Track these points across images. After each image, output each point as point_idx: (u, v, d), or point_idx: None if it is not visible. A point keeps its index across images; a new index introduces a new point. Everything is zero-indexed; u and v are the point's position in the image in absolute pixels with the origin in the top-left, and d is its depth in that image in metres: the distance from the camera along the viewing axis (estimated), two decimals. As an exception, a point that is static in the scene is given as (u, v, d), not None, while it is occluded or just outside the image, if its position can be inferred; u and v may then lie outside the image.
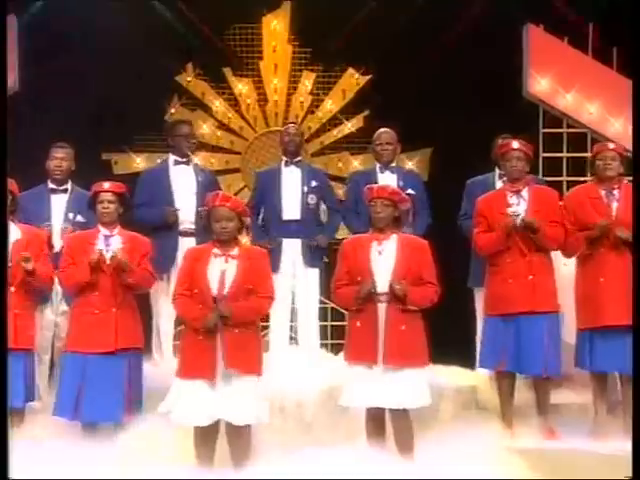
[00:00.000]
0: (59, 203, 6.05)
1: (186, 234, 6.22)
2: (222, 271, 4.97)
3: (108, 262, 5.31)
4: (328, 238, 6.43)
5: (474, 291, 6.23)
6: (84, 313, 5.34)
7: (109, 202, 5.42)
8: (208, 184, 6.26)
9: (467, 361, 6.16)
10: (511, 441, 5.35)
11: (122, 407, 5.24)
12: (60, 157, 6.06)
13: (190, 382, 4.91)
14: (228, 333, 4.92)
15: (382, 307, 5.02)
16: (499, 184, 6.13)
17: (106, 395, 5.23)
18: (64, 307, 5.93)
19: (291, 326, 6.51)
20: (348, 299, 5.10)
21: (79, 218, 5.97)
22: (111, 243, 5.38)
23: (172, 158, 6.39)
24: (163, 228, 6.15)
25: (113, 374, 5.26)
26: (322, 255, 6.46)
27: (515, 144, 5.66)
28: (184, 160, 6.36)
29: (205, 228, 5.14)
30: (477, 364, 5.79)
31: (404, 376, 4.98)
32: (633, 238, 5.39)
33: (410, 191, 6.14)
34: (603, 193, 5.59)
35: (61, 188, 6.07)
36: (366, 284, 5.00)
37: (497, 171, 6.21)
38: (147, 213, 6.17)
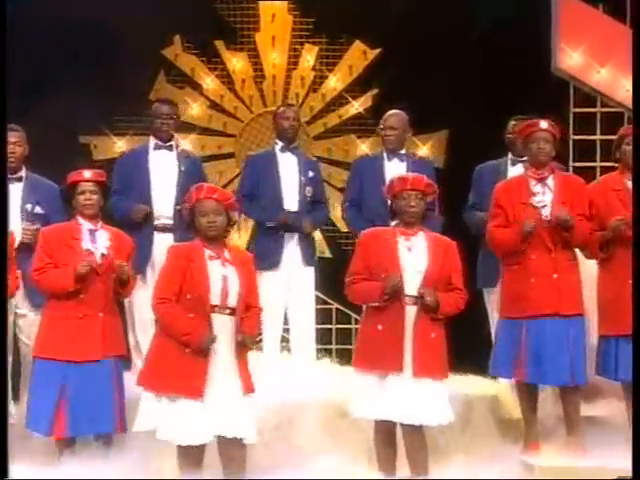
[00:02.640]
0: (13, 193, 5.93)
1: (162, 229, 6.24)
2: (224, 277, 4.96)
3: (99, 261, 5.27)
4: (315, 226, 6.49)
5: (484, 292, 6.29)
6: (65, 317, 5.28)
7: (91, 193, 5.36)
8: (192, 174, 6.21)
9: (485, 369, 6.11)
10: (536, 458, 5.41)
11: (112, 419, 5.23)
12: (13, 141, 5.98)
13: (174, 398, 4.90)
14: (241, 355, 4.94)
15: (410, 311, 5.03)
16: (512, 170, 6.17)
17: (94, 407, 5.20)
18: (24, 309, 5.91)
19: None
20: (368, 294, 5.06)
21: (38, 210, 5.96)
22: (97, 239, 5.34)
23: (153, 141, 6.40)
24: (135, 223, 6.16)
25: (100, 384, 5.24)
26: (314, 252, 6.52)
27: (544, 124, 5.61)
28: (166, 145, 6.36)
29: (188, 226, 5.10)
30: (489, 372, 5.78)
31: (423, 388, 4.98)
32: (633, 237, 5.34)
33: None
34: (629, 184, 5.49)
35: (15, 176, 6.00)
36: (394, 277, 4.98)
37: (510, 156, 6.27)
38: (118, 204, 6.17)
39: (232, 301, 4.97)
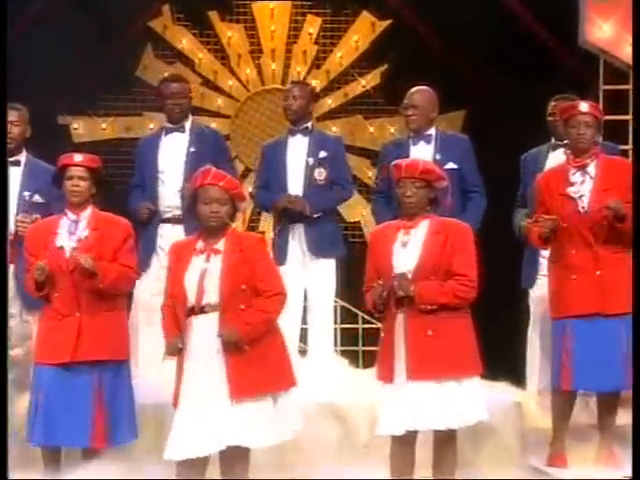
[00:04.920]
0: (10, 178, 5.88)
1: (171, 221, 6.23)
2: (201, 272, 4.88)
3: (67, 256, 5.21)
4: (313, 208, 6.25)
5: (529, 292, 6.21)
6: (48, 319, 5.31)
7: (80, 179, 5.30)
8: (204, 154, 6.10)
9: (510, 374, 6.14)
10: (562, 470, 5.42)
11: (87, 430, 5.19)
12: (11, 120, 5.95)
13: (187, 411, 4.86)
14: (231, 355, 4.82)
15: (402, 312, 4.96)
16: (553, 156, 6.10)
17: (66, 415, 5.17)
18: (13, 309, 5.85)
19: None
20: (369, 304, 5.05)
21: (37, 198, 5.92)
22: (77, 230, 5.31)
23: (165, 125, 6.39)
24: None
25: (74, 390, 5.20)
26: (337, 242, 6.42)
27: (584, 106, 5.56)
28: (176, 127, 6.33)
29: (189, 211, 5.04)
30: (552, 383, 5.66)
31: (448, 390, 4.92)
32: (633, 233, 5.34)
33: (451, 165, 6.07)
34: None
35: (12, 159, 5.96)
36: (378, 287, 4.94)
37: (552, 141, 6.17)
38: (131, 198, 6.24)
39: (211, 297, 4.88)
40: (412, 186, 5.02)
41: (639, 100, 5.60)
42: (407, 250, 5.00)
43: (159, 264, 6.07)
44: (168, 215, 6.25)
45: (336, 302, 7.37)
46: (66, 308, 5.25)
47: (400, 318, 4.96)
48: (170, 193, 6.23)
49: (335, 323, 7.20)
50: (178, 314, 4.91)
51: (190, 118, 6.41)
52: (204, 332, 4.88)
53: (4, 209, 5.38)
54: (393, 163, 5.17)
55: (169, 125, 6.35)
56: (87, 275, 5.20)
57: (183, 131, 6.33)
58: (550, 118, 6.19)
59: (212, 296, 4.87)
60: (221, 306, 4.86)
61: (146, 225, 6.13)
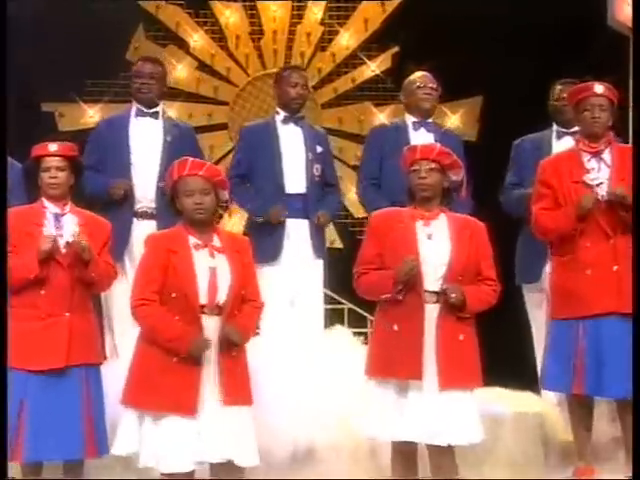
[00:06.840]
0: None
1: (144, 215, 6.17)
2: (211, 270, 4.87)
3: (63, 250, 5.17)
4: (331, 217, 6.42)
5: (524, 289, 6.27)
6: (27, 318, 5.20)
7: (57, 169, 5.26)
8: (180, 145, 6.05)
9: (527, 381, 6.12)
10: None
11: (80, 443, 5.14)
12: None
13: (159, 417, 4.83)
14: (225, 359, 4.84)
15: (431, 310, 4.92)
16: (558, 145, 6.14)
17: (56, 428, 5.11)
18: None
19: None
20: (379, 286, 4.94)
21: None
22: (63, 225, 5.25)
23: (135, 107, 6.30)
24: (112, 205, 6.05)
25: (65, 399, 5.16)
26: (324, 243, 6.44)
27: (599, 88, 5.55)
28: (150, 111, 6.25)
29: (169, 207, 4.98)
30: (542, 386, 5.73)
31: (451, 402, 4.88)
32: (633, 230, 5.34)
33: None
34: None
35: None
36: (408, 262, 4.86)
37: (554, 127, 6.23)
38: (92, 180, 5.97)
39: (222, 297, 4.87)
40: (427, 169, 5.02)
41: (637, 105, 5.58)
42: (434, 243, 4.98)
43: (130, 263, 6.03)
44: (138, 207, 6.17)
45: (344, 304, 7.36)
46: (55, 307, 5.19)
47: (430, 316, 4.91)
48: (143, 183, 6.15)
49: (342, 325, 7.16)
50: (182, 311, 4.83)
51: (161, 105, 6.36)
52: (215, 334, 4.87)
53: (4, 209, 5.29)
54: (407, 147, 5.17)
55: (141, 108, 6.26)
56: (81, 259, 5.14)
57: (157, 117, 6.27)
58: (556, 103, 6.26)
59: (222, 296, 4.87)
60: (228, 307, 4.86)
61: (116, 220, 5.85)
